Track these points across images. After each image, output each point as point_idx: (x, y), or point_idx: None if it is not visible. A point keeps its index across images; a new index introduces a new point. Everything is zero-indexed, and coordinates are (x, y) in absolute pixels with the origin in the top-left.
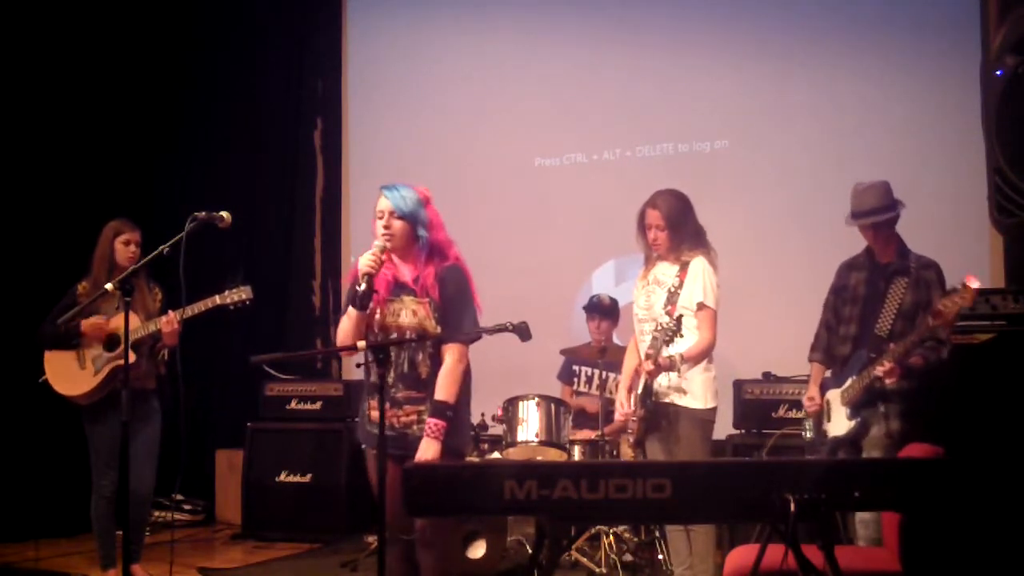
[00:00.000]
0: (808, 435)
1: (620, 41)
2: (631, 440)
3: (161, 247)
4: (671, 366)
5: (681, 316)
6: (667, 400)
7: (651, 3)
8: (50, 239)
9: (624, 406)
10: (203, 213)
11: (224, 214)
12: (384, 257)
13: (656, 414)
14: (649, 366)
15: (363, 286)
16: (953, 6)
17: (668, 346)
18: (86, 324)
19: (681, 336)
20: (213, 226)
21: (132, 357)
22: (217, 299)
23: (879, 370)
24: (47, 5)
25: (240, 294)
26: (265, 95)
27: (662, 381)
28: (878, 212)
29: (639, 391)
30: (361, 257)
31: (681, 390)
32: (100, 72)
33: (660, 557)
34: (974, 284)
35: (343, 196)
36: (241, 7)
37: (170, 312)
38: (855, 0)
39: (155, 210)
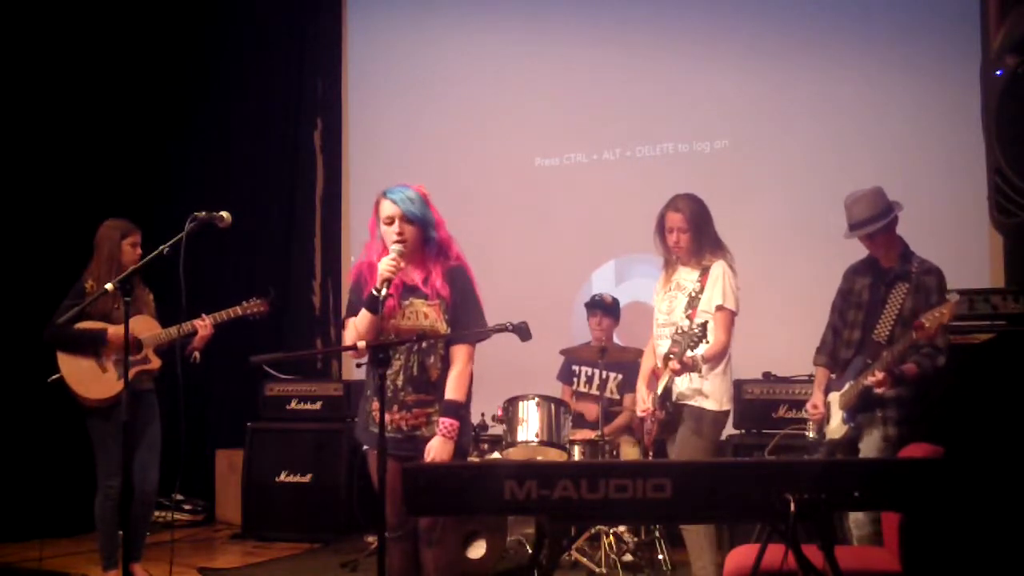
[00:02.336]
0: (811, 435)
1: (620, 41)
2: (649, 440)
3: (161, 247)
4: (694, 366)
5: (706, 322)
6: (685, 402)
7: (651, 3)
8: (50, 239)
9: (645, 402)
10: (203, 213)
11: (224, 214)
12: (403, 263)
13: (675, 415)
14: (676, 365)
15: (384, 292)
16: (953, 6)
17: (694, 349)
18: (112, 332)
19: (707, 341)
20: (213, 226)
21: (157, 361)
22: (239, 310)
23: (870, 379)
24: (48, 6)
25: (259, 306)
26: (265, 95)
27: (680, 383)
28: (872, 222)
29: (658, 392)
30: (381, 262)
31: (700, 392)
32: (100, 72)
33: (660, 557)
34: (954, 299)
35: (343, 196)
36: (241, 7)
37: (203, 315)
38: (855, 0)
39: (155, 210)
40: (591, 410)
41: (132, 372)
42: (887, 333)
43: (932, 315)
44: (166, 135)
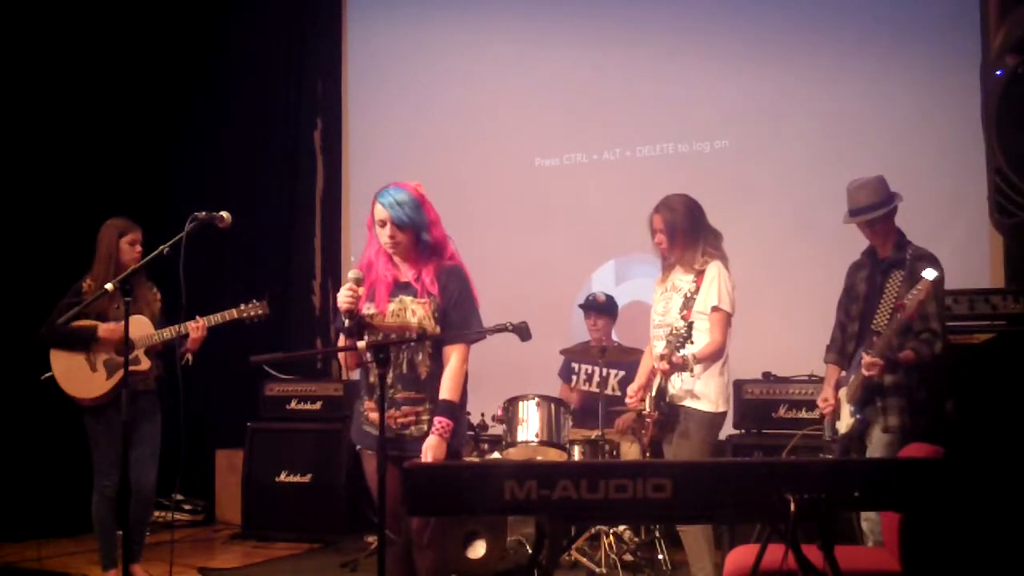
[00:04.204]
0: (827, 436)
1: (620, 41)
2: (646, 440)
3: (161, 247)
4: (684, 366)
5: (692, 322)
6: (681, 403)
7: (652, 3)
8: (51, 239)
9: (633, 396)
10: (203, 213)
11: (224, 214)
12: (361, 289)
13: (670, 416)
14: (664, 365)
15: (347, 323)
16: (953, 6)
17: (680, 350)
18: (103, 329)
19: (692, 342)
20: (213, 226)
21: (147, 362)
22: (235, 313)
23: (862, 365)
24: (49, 6)
25: (257, 309)
26: (265, 95)
27: (677, 384)
28: (873, 208)
29: (653, 393)
30: (339, 295)
31: (694, 393)
32: (101, 72)
33: (660, 557)
34: (930, 276)
35: (343, 196)
36: (241, 7)
37: (198, 317)
38: (855, 1)
39: (155, 210)
40: (573, 399)
41: (120, 372)
42: (884, 322)
43: (911, 294)
44: (166, 135)
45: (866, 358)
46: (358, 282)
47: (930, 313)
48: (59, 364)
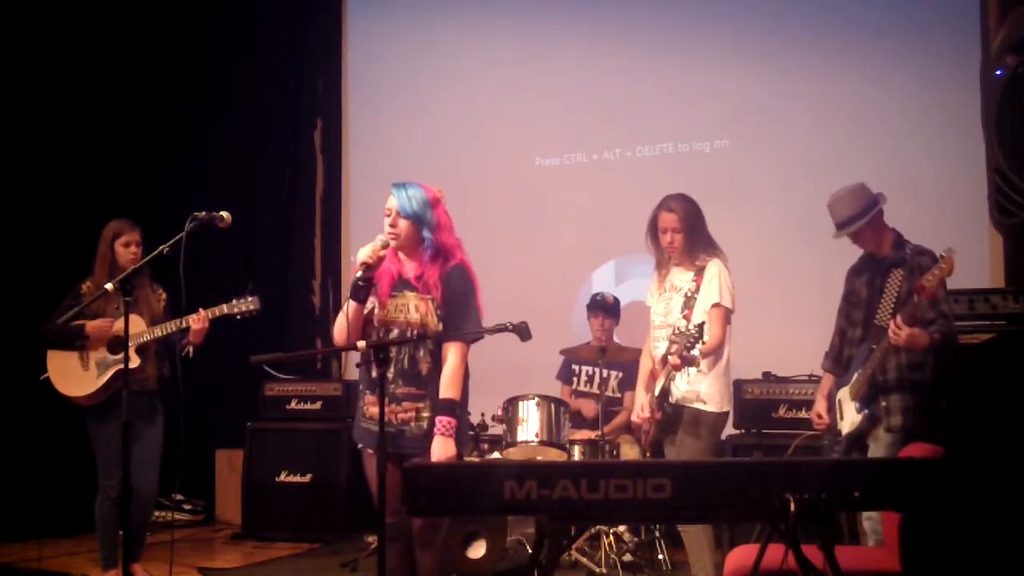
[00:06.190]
0: (826, 442)
1: (620, 41)
2: (646, 441)
3: (161, 247)
4: (693, 361)
5: (703, 323)
6: (684, 405)
7: (651, 3)
8: (51, 239)
9: (645, 409)
10: (203, 213)
11: (224, 214)
12: (384, 252)
13: (672, 417)
14: (676, 360)
15: (361, 275)
16: (953, 6)
17: (692, 350)
18: (91, 326)
19: (703, 343)
20: (213, 226)
21: (137, 360)
22: (224, 308)
23: (891, 334)
24: (49, 7)
25: (248, 304)
26: (265, 95)
27: (680, 385)
28: (856, 219)
29: (655, 394)
30: (361, 248)
31: (699, 394)
32: (101, 72)
33: (660, 557)
34: (951, 253)
35: (343, 196)
36: (241, 7)
37: (200, 310)
38: (855, 0)
39: (155, 210)
40: (589, 408)
41: (111, 373)
42: (887, 318)
43: (931, 273)
44: (166, 135)
45: (900, 326)
46: (385, 246)
47: (939, 297)
48: (54, 365)
